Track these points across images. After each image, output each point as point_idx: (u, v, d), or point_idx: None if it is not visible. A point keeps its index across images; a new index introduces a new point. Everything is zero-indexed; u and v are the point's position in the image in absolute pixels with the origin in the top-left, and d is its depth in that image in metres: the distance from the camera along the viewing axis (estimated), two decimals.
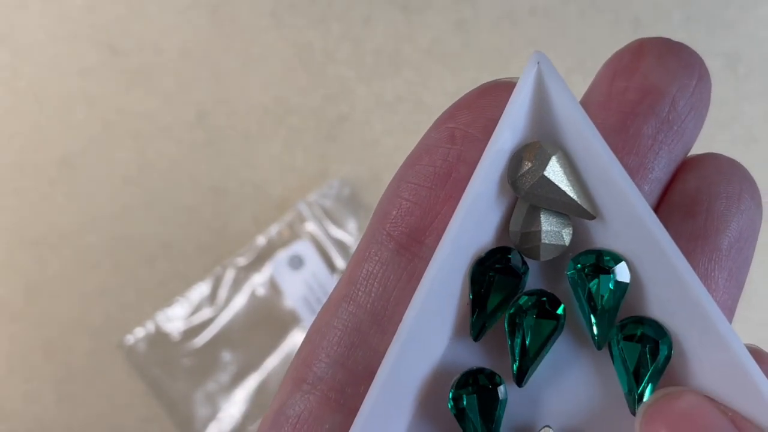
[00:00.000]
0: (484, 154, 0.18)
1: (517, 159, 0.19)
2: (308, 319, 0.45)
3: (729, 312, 0.20)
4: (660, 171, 0.20)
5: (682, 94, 0.20)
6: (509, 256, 0.19)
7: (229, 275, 0.45)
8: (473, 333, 0.19)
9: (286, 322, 0.45)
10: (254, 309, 0.45)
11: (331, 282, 0.45)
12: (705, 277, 0.20)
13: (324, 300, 0.45)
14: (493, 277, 0.19)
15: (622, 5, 0.46)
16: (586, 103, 0.21)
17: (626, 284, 0.19)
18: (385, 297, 0.19)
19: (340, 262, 0.46)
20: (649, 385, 0.19)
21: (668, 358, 0.19)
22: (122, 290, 0.46)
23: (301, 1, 0.47)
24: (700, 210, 0.20)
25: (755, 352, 0.19)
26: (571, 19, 0.46)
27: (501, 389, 0.19)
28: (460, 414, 0.19)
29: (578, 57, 0.46)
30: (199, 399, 0.45)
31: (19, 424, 0.45)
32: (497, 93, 0.19)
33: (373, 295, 0.19)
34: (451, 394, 0.19)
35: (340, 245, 0.46)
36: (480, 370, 0.19)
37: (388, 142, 0.46)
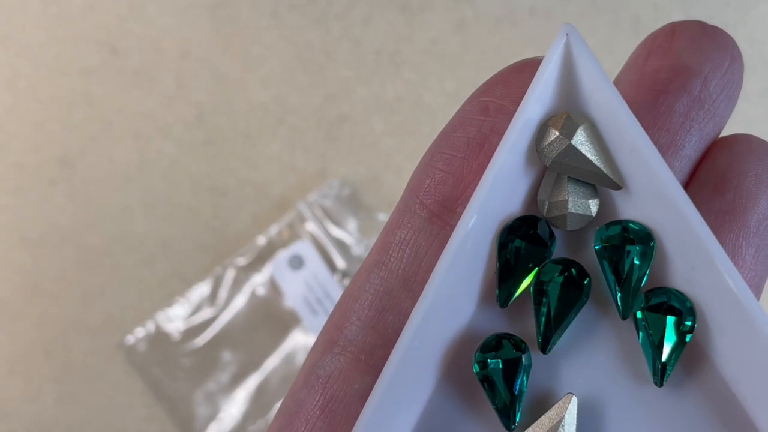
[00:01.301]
0: (511, 123, 0.19)
1: (544, 128, 0.19)
2: (308, 319, 0.45)
3: (756, 289, 0.20)
4: (691, 149, 0.20)
5: (714, 73, 0.20)
6: (537, 224, 0.20)
7: (229, 275, 0.45)
8: (500, 300, 0.20)
9: (286, 322, 0.45)
10: (254, 309, 0.45)
11: (331, 282, 0.45)
12: (732, 254, 0.20)
13: (324, 300, 0.45)
14: (521, 245, 0.19)
15: (622, 5, 0.46)
16: (618, 82, 0.21)
17: (652, 256, 0.19)
18: (416, 263, 0.20)
19: (341, 262, 0.46)
20: (673, 356, 0.19)
21: (692, 329, 0.19)
22: (122, 290, 0.46)
23: (301, 1, 0.47)
24: (729, 187, 0.20)
25: None
26: (571, 19, 0.46)
27: (526, 355, 0.19)
28: (484, 378, 0.19)
29: None
30: (199, 399, 0.45)
31: (19, 424, 0.45)
32: (531, 69, 0.19)
33: (404, 261, 0.20)
34: (476, 358, 0.20)
35: (340, 245, 0.46)
36: (506, 336, 0.20)
37: (388, 142, 0.46)
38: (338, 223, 0.46)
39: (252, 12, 0.47)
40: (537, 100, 0.19)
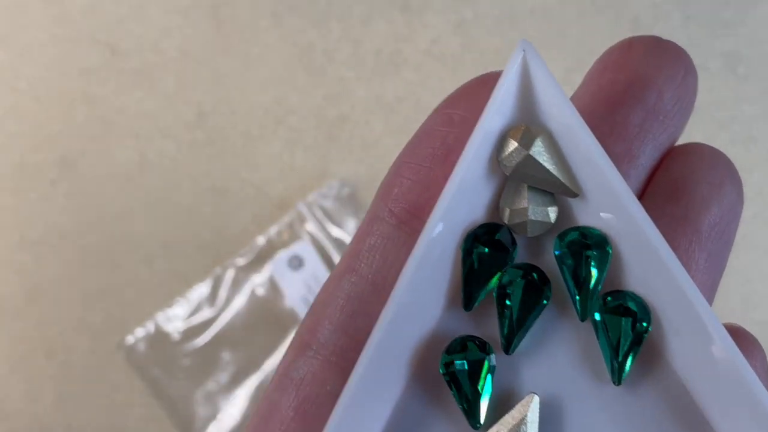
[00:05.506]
0: (472, 134, 0.19)
1: (504, 139, 0.20)
2: None
3: (709, 292, 0.21)
4: (646, 158, 0.21)
5: (668, 86, 0.21)
6: (499, 231, 0.20)
7: (229, 275, 0.45)
8: (464, 303, 0.20)
9: (286, 322, 0.45)
10: (254, 309, 0.45)
11: None
12: (686, 258, 0.20)
13: None
14: (484, 251, 0.20)
15: (622, 5, 0.46)
16: (578, 95, 0.22)
17: (608, 260, 0.20)
18: (385, 269, 0.20)
19: None
20: (630, 355, 0.20)
21: (647, 329, 0.20)
22: (122, 290, 0.46)
23: (301, 2, 0.47)
24: (683, 194, 0.21)
25: (733, 330, 0.20)
26: (570, 19, 0.47)
27: (490, 356, 0.20)
28: (451, 378, 0.20)
29: (578, 57, 0.46)
30: (199, 399, 0.45)
31: (19, 424, 0.45)
32: (492, 83, 0.20)
33: (374, 266, 0.20)
34: (442, 359, 0.20)
35: (340, 245, 0.46)
36: (471, 338, 0.20)
37: (388, 142, 0.46)
38: (338, 224, 0.46)
39: (252, 12, 0.47)
40: (496, 112, 0.19)
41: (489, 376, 0.20)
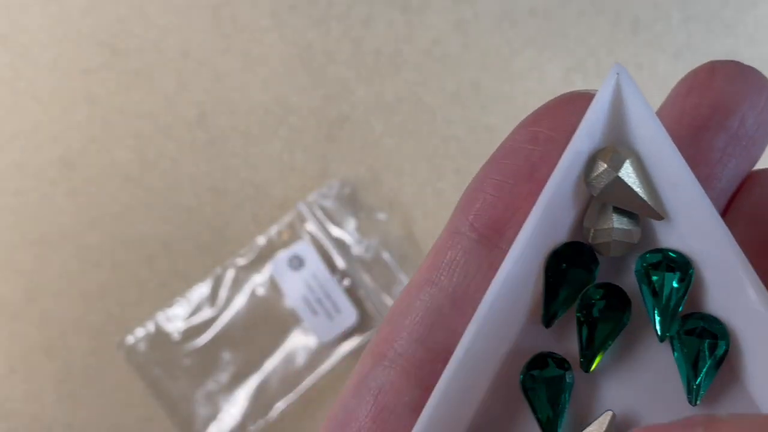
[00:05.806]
0: (563, 155, 0.20)
1: (593, 161, 0.20)
2: (308, 319, 0.45)
3: None
4: (727, 182, 0.21)
5: (750, 112, 0.21)
6: (582, 250, 0.21)
7: (229, 275, 0.45)
8: (545, 320, 0.21)
9: (286, 322, 0.45)
10: (254, 309, 0.46)
11: (331, 282, 0.45)
12: (765, 284, 0.20)
13: (324, 300, 0.45)
14: (566, 269, 0.21)
15: (622, 5, 0.46)
16: (660, 116, 0.22)
17: (690, 282, 0.20)
18: (466, 283, 0.21)
19: (340, 262, 0.46)
20: (707, 377, 0.20)
21: (726, 353, 0.20)
22: (122, 290, 0.46)
23: (301, 2, 0.47)
24: (762, 219, 0.21)
25: None
26: (571, 19, 0.47)
27: (568, 373, 0.21)
28: (529, 393, 0.21)
29: (578, 57, 0.46)
30: (199, 399, 0.45)
31: (19, 424, 0.45)
32: (578, 102, 0.20)
33: (454, 280, 0.21)
34: (521, 375, 0.21)
35: (340, 245, 0.46)
36: (550, 354, 0.21)
37: (388, 142, 0.46)
38: (338, 223, 0.46)
39: (252, 12, 0.47)
40: (587, 134, 0.20)
41: (567, 393, 0.20)
